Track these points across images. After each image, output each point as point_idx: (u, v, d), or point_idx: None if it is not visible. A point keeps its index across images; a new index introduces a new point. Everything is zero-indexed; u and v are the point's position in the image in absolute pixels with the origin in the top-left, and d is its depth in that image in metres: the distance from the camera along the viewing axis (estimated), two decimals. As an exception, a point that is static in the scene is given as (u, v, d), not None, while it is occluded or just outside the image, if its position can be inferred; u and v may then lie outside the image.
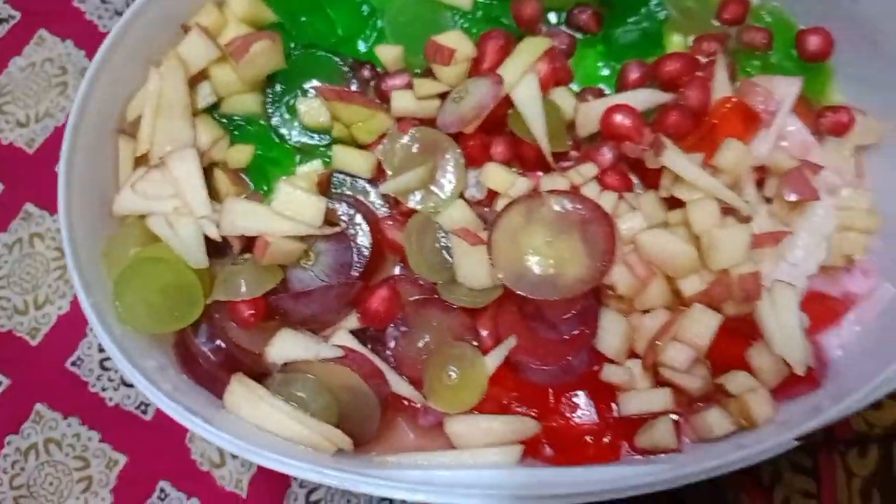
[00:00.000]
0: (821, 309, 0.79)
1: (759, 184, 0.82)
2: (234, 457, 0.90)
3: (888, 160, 0.84)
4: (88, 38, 1.11)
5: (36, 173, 1.05)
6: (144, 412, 0.93)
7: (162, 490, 0.91)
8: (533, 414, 0.76)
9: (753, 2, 0.90)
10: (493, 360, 0.76)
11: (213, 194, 0.81)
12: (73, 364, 0.96)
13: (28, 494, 0.92)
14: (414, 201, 0.80)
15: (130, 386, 0.94)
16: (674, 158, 0.75)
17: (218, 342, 0.77)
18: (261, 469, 0.89)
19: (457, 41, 0.82)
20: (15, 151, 1.06)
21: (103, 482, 0.92)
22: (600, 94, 0.85)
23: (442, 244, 0.79)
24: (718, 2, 0.89)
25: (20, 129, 1.07)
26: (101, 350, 0.96)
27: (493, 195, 0.82)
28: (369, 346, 0.78)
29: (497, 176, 0.81)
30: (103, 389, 0.94)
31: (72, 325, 0.98)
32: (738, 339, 0.75)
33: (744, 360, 0.74)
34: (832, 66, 0.88)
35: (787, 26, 0.88)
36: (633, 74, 0.84)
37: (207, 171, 0.81)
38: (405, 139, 0.82)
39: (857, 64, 0.86)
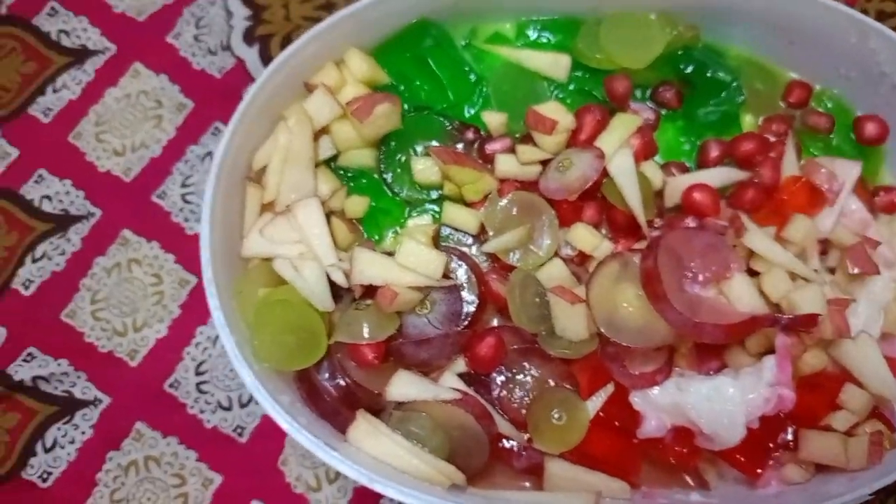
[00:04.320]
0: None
1: (821, 254, 0.91)
2: (332, 482, 0.96)
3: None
4: (182, 75, 1.15)
5: (133, 201, 1.09)
6: (241, 435, 0.98)
7: (256, 509, 0.97)
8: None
9: (816, 87, 0.99)
10: (593, 404, 0.83)
11: (331, 240, 0.86)
12: (171, 386, 1.00)
13: (127, 508, 0.97)
14: (513, 259, 0.87)
15: (227, 409, 1.00)
16: (754, 239, 0.84)
17: (338, 379, 0.83)
18: (356, 494, 0.95)
19: (556, 112, 0.90)
20: (112, 179, 1.10)
21: (199, 499, 0.96)
22: (684, 168, 0.93)
23: (541, 298, 0.85)
24: (785, 86, 0.99)
25: (116, 157, 1.11)
26: (198, 374, 1.01)
27: (584, 253, 0.89)
28: (473, 388, 0.84)
29: (584, 237, 0.87)
30: (201, 412, 0.99)
31: (169, 349, 1.02)
32: (821, 393, 0.83)
33: (823, 412, 0.83)
34: (885, 150, 0.97)
35: (846, 112, 0.98)
36: (713, 152, 0.93)
37: (326, 218, 0.87)
38: (504, 202, 0.89)
39: (907, 148, 0.95)
